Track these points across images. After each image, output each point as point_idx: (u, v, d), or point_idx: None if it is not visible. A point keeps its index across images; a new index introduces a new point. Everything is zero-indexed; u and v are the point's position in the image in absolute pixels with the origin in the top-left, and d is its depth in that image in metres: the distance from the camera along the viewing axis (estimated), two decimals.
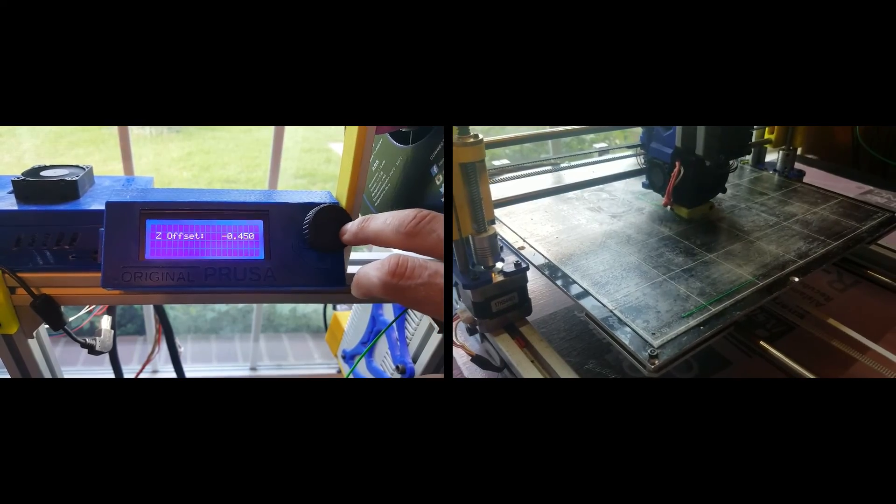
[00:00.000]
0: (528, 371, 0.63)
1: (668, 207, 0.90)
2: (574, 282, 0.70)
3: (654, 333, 0.59)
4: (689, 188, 0.85)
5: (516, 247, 0.79)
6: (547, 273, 0.73)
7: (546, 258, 0.76)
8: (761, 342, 0.69)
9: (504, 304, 0.67)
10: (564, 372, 0.61)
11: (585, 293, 0.67)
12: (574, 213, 0.91)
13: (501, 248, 0.69)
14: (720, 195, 0.95)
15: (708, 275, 0.71)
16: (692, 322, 0.61)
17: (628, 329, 0.60)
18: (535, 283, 0.87)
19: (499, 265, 0.66)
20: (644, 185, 0.96)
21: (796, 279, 0.70)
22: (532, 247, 0.79)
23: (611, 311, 0.63)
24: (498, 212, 0.90)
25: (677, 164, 0.84)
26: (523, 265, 0.68)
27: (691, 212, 0.88)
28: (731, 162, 0.88)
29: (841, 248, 0.78)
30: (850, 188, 1.13)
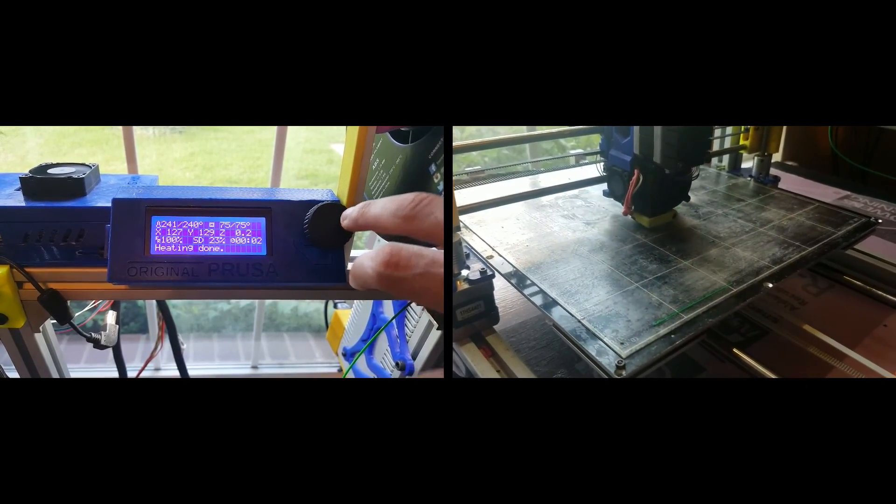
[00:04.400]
0: None
1: (629, 216, 0.88)
2: (542, 291, 0.68)
3: (622, 343, 0.58)
4: (650, 196, 0.83)
5: (485, 255, 0.77)
6: (514, 282, 0.71)
7: (514, 266, 0.74)
8: (734, 349, 0.69)
9: (470, 313, 0.65)
10: None
11: (553, 303, 0.65)
12: (547, 220, 0.90)
13: (467, 255, 0.68)
14: (693, 200, 0.94)
15: (682, 282, 0.70)
16: (663, 330, 0.60)
17: (597, 339, 0.59)
18: (505, 291, 0.84)
19: (464, 273, 0.65)
20: (605, 193, 0.93)
21: (770, 285, 0.69)
22: (500, 255, 0.77)
23: (579, 322, 0.62)
24: (468, 219, 0.89)
25: (636, 171, 0.82)
26: (489, 273, 0.66)
27: (652, 220, 0.86)
28: (693, 170, 0.86)
29: (816, 253, 0.78)
30: (828, 194, 1.15)
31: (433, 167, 0.47)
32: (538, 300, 0.67)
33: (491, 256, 0.77)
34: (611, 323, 0.62)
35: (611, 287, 0.69)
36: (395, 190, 0.52)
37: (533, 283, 0.70)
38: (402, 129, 0.51)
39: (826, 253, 0.79)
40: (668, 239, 0.83)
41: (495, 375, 0.62)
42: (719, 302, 0.66)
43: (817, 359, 0.74)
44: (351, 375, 0.79)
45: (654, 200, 0.84)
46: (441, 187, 0.46)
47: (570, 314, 0.63)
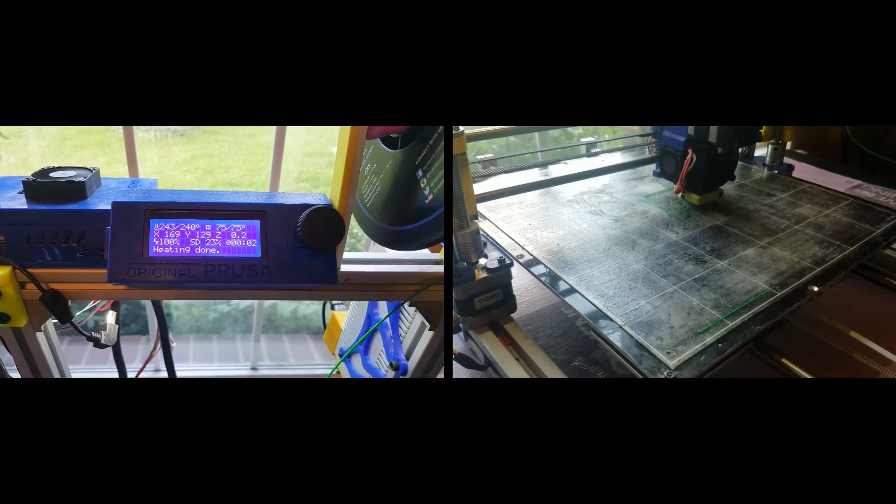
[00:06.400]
0: (513, 369, 0.62)
1: (680, 195, 0.92)
2: (577, 292, 0.66)
3: (668, 353, 0.55)
4: (701, 175, 0.87)
5: (514, 254, 0.76)
6: (548, 282, 0.69)
7: (548, 267, 0.72)
8: (779, 359, 0.65)
9: (488, 301, 0.65)
10: (550, 370, 0.61)
11: (596, 311, 0.63)
12: (575, 216, 0.88)
13: (485, 244, 0.68)
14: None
15: (721, 284, 0.67)
16: (709, 339, 0.57)
17: (641, 348, 0.56)
18: (521, 279, 0.85)
19: (482, 261, 0.65)
20: (655, 174, 0.97)
21: (815, 289, 0.66)
22: (531, 255, 0.76)
23: (620, 327, 0.60)
24: (493, 215, 0.89)
25: (690, 151, 0.86)
26: (507, 261, 0.66)
27: (702, 198, 0.90)
28: (739, 149, 0.90)
29: (858, 253, 0.75)
30: (840, 183, 1.13)
31: (420, 173, 0.48)
32: (579, 307, 0.65)
33: (521, 256, 0.76)
34: (654, 330, 0.59)
35: (648, 290, 0.66)
36: (385, 194, 0.53)
37: (567, 284, 0.69)
38: (392, 134, 0.53)
39: (868, 253, 0.76)
40: (701, 237, 0.81)
41: (514, 363, 0.62)
42: (765, 307, 0.63)
43: (831, 347, 0.74)
44: (346, 374, 0.80)
45: (704, 179, 0.88)
46: (427, 192, 0.47)
47: (611, 319, 0.61)
